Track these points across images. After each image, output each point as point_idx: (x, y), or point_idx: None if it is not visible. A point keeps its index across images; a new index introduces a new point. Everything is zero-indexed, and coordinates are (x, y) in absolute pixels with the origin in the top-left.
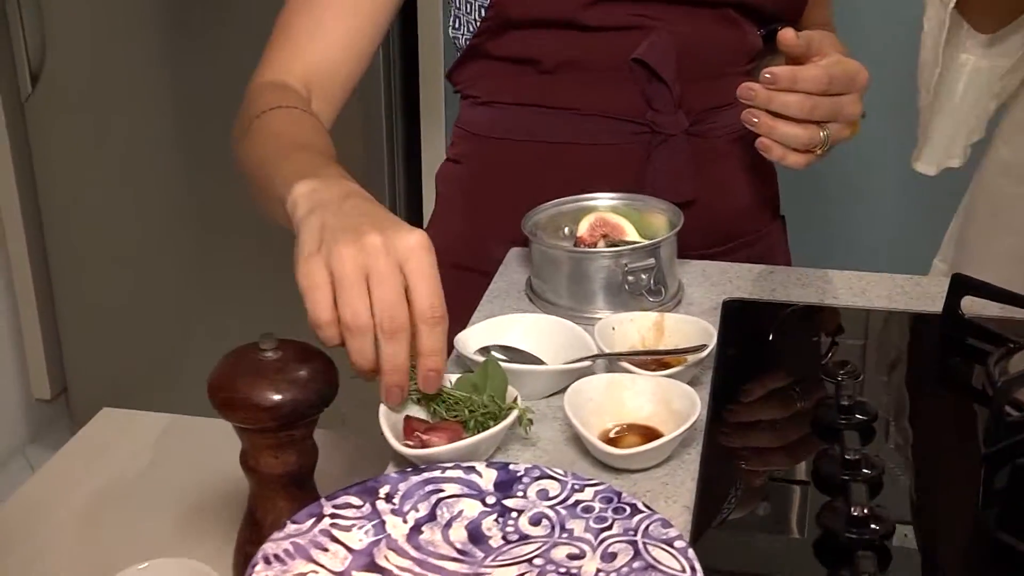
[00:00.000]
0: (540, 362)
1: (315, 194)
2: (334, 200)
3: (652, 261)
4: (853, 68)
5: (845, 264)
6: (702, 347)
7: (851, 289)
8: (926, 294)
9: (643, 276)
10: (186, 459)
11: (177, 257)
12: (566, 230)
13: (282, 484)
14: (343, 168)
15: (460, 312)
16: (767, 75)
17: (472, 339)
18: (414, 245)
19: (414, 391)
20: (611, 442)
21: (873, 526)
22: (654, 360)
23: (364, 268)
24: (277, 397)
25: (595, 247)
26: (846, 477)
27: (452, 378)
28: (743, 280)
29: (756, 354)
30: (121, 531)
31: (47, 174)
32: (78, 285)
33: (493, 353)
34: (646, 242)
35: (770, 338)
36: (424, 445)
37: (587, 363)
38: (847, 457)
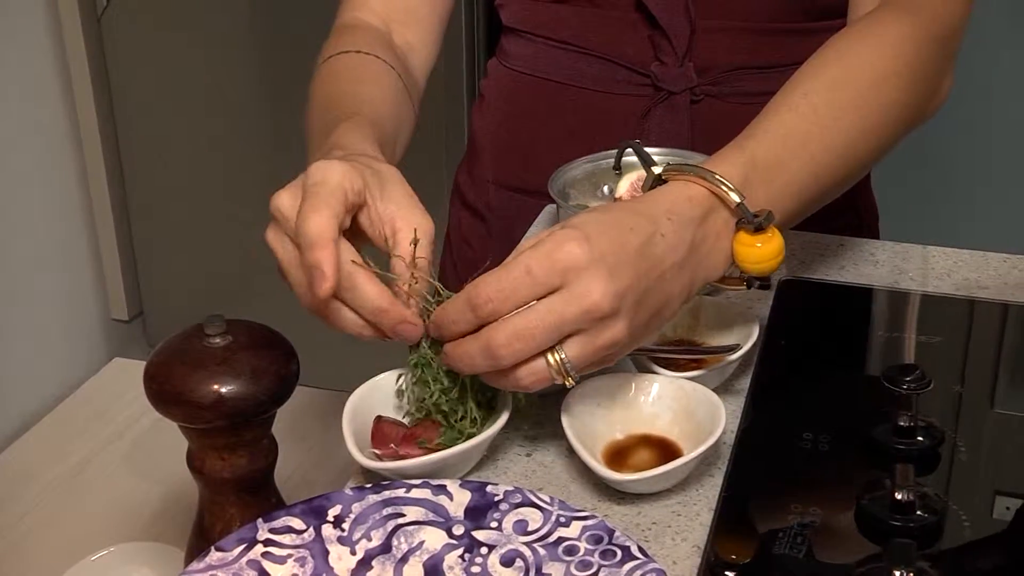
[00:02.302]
0: None
1: None
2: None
3: None
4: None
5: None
6: (734, 348)
7: (933, 269)
8: None
9: None
10: None
11: (255, 177)
12: (605, 189)
13: (232, 490)
14: (351, 125)
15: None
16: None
17: None
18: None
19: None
20: (618, 456)
21: None
22: (690, 358)
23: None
24: (219, 391)
25: None
26: (895, 523)
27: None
28: (808, 253)
29: (810, 351)
30: (106, 503)
31: (123, 90)
32: (155, 206)
33: None
34: None
35: (829, 330)
36: (398, 457)
37: None
38: (896, 497)
